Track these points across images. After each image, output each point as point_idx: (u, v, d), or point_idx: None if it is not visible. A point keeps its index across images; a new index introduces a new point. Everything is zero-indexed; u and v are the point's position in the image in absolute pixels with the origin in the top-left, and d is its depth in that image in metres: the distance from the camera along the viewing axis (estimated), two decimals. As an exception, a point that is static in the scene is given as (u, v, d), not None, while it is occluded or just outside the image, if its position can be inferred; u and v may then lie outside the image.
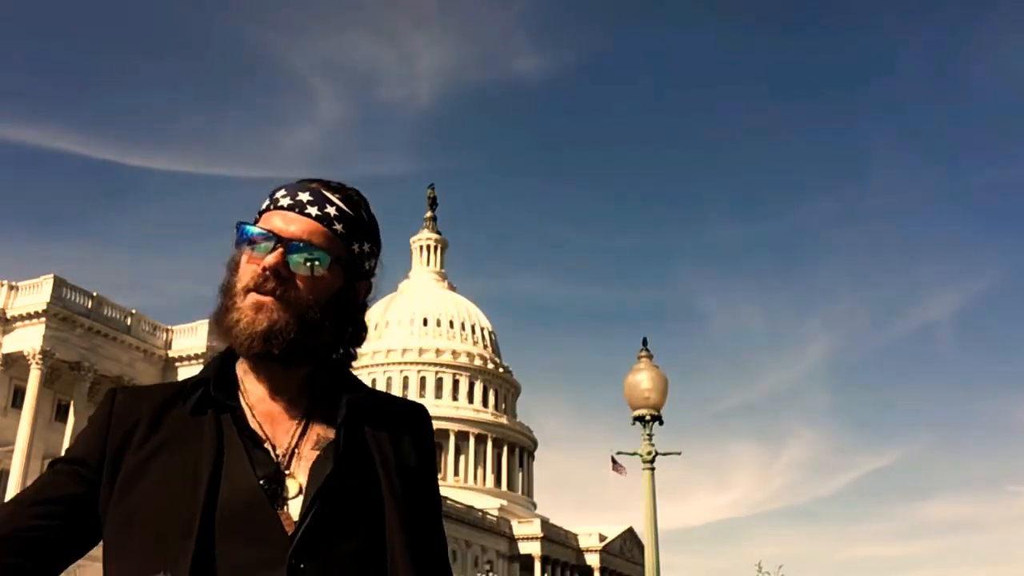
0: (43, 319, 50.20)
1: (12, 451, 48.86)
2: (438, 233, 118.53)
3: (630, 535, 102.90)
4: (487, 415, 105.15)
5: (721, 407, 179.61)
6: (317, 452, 1.61)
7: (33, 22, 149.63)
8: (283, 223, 1.62)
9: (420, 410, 1.81)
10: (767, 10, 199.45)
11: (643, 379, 12.43)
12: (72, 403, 51.98)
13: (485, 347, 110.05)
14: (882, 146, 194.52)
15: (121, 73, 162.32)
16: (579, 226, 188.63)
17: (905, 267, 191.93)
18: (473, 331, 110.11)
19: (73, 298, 52.37)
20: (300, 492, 1.57)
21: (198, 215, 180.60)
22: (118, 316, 55.20)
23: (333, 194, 1.67)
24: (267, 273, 1.59)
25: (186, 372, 57.38)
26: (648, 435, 12.30)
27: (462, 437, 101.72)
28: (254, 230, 1.62)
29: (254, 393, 1.67)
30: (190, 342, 57.94)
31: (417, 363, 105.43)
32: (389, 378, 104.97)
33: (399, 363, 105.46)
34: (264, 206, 1.68)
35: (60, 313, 50.91)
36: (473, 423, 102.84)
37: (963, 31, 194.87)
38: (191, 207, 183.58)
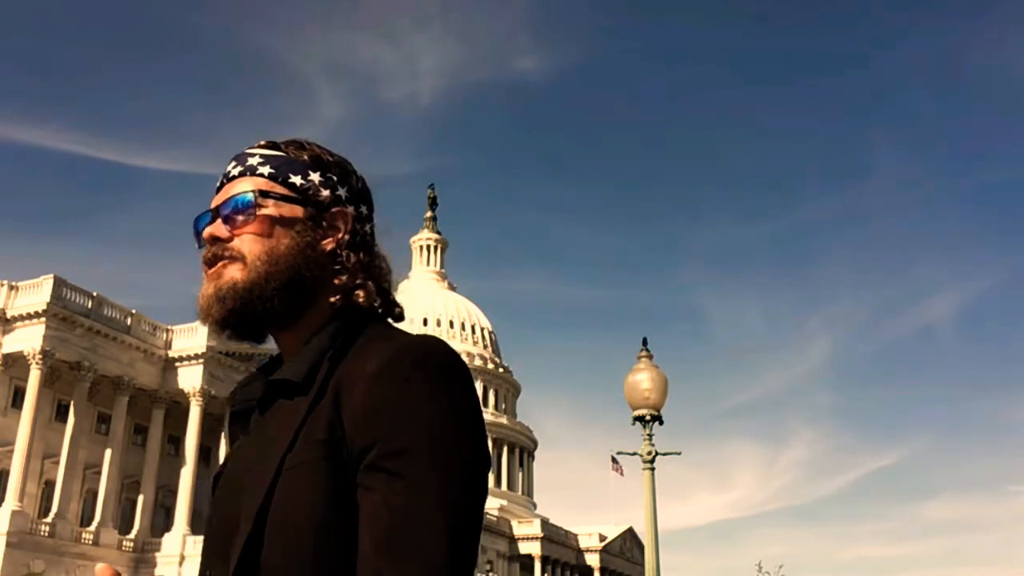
0: (43, 319, 50.19)
1: (12, 451, 48.86)
2: (438, 233, 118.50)
3: (630, 535, 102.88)
4: (487, 415, 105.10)
5: (722, 407, 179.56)
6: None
7: (33, 22, 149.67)
8: (217, 199, 1.55)
9: (378, 354, 1.36)
10: (768, 10, 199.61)
11: (643, 379, 12.42)
12: (72, 403, 51.98)
13: (485, 347, 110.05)
14: (883, 146, 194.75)
15: (121, 73, 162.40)
16: (579, 226, 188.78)
17: (906, 267, 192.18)
18: (473, 331, 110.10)
19: (73, 298, 52.36)
20: None
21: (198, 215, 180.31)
22: (118, 316, 55.20)
23: (256, 147, 1.58)
24: (208, 243, 1.51)
25: (186, 372, 57.39)
26: (648, 435, 12.29)
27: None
28: (198, 220, 1.56)
29: None
30: (190, 342, 57.94)
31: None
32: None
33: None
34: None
35: (60, 313, 50.90)
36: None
37: (965, 31, 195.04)
38: (191, 207, 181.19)
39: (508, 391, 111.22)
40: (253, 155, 1.55)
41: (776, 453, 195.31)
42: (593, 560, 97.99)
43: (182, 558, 53.44)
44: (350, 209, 1.57)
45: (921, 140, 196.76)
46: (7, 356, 50.98)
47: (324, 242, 1.52)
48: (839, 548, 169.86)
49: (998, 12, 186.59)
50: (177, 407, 57.84)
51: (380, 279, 1.55)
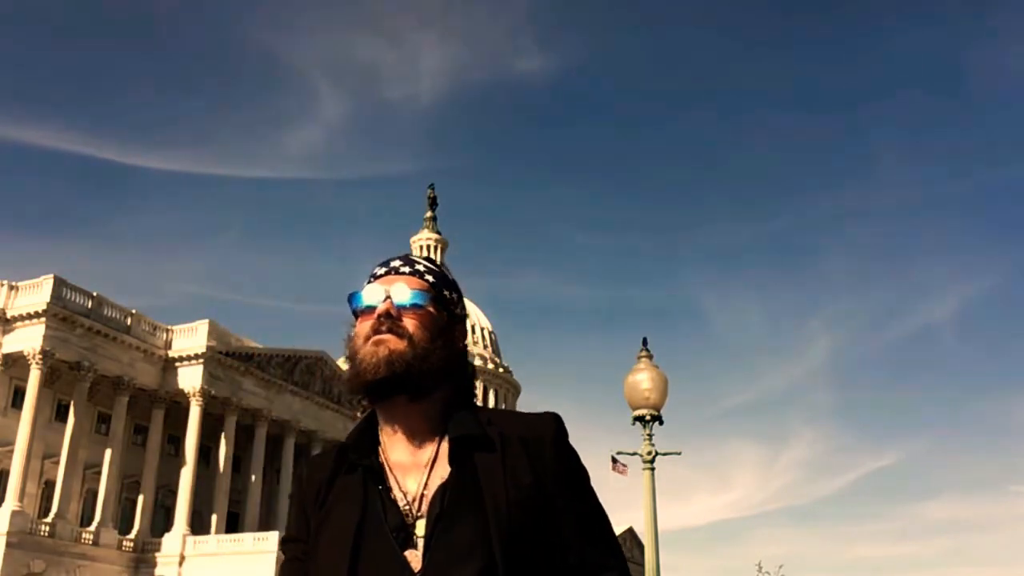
0: (43, 319, 50.18)
1: (12, 451, 48.86)
2: (438, 233, 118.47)
3: (630, 535, 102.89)
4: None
5: (722, 407, 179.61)
6: (433, 493, 1.86)
7: (33, 22, 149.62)
8: (386, 284, 1.98)
9: (543, 421, 1.98)
10: (768, 11, 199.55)
11: (643, 379, 12.42)
12: (72, 403, 51.97)
13: (485, 347, 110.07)
14: (883, 147, 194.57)
15: (121, 73, 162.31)
16: (579, 226, 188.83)
17: (906, 267, 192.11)
18: (473, 331, 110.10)
19: (73, 298, 52.36)
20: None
21: (198, 215, 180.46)
22: (118, 316, 55.19)
23: (419, 258, 2.06)
24: (380, 318, 1.92)
25: (186, 372, 57.40)
26: (648, 435, 12.29)
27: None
28: (363, 294, 1.97)
29: (390, 447, 1.95)
30: (190, 342, 57.94)
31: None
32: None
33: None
34: (366, 283, 2.03)
35: (60, 313, 50.89)
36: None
37: (965, 31, 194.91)
38: (191, 207, 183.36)
39: (508, 391, 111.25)
40: (419, 263, 2.04)
41: (776, 453, 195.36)
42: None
43: (182, 558, 53.45)
44: (465, 328, 2.08)
45: (921, 140, 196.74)
46: (7, 356, 50.97)
47: (455, 345, 2.00)
48: (839, 548, 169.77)
49: (999, 11, 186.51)
50: (177, 407, 57.83)
51: (473, 382, 2.04)
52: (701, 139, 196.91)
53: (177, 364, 57.67)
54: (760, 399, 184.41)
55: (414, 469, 1.90)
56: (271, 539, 52.92)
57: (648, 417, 12.31)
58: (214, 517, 57.64)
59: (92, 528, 51.61)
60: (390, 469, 1.91)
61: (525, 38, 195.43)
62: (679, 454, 12.85)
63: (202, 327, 58.26)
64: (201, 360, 57.29)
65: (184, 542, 53.89)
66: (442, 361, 1.92)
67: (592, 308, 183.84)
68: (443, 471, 1.87)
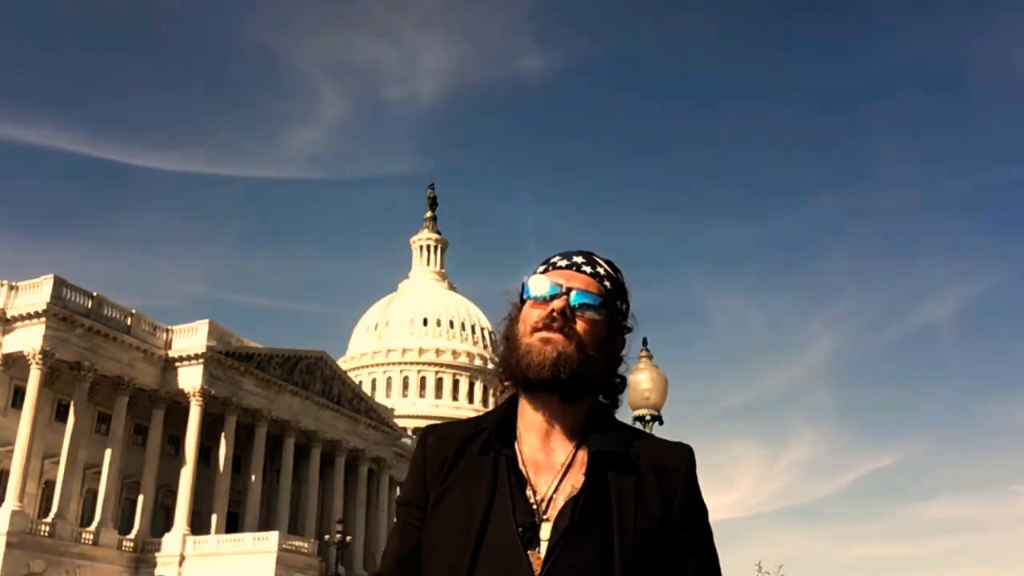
0: (43, 319, 50.17)
1: (12, 451, 48.85)
2: (438, 233, 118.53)
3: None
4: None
5: (722, 407, 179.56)
6: (565, 502, 1.84)
7: (34, 22, 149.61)
8: (564, 278, 1.95)
9: (678, 452, 1.97)
10: (768, 11, 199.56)
11: (643, 379, 12.42)
12: (72, 403, 51.96)
13: (485, 347, 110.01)
14: (884, 147, 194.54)
15: (122, 73, 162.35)
16: (579, 226, 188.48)
17: (906, 267, 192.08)
18: (473, 331, 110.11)
19: (73, 298, 52.34)
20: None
21: (198, 215, 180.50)
22: (118, 316, 55.17)
23: (600, 259, 2.02)
24: (554, 314, 1.90)
25: (186, 372, 57.39)
26: (648, 435, 12.29)
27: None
28: (536, 282, 1.96)
29: (527, 440, 1.94)
30: (190, 342, 57.92)
31: (417, 363, 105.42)
32: (389, 378, 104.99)
33: (399, 363, 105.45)
34: (541, 269, 2.00)
35: (60, 313, 50.88)
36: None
37: (966, 30, 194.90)
38: (191, 207, 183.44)
39: (508, 391, 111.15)
40: (602, 265, 2.00)
41: (776, 453, 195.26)
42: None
43: (182, 558, 53.44)
44: (626, 339, 2.03)
45: (922, 139, 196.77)
46: (7, 356, 50.96)
47: (614, 356, 1.97)
48: (839, 548, 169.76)
49: (1000, 10, 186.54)
50: (177, 407, 57.81)
51: (622, 391, 2.03)
52: (701, 139, 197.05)
53: (177, 364, 57.65)
54: (760, 399, 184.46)
55: (547, 469, 1.89)
56: (271, 539, 52.93)
57: (648, 417, 12.31)
58: (214, 517, 57.63)
59: (92, 528, 51.60)
60: (523, 463, 1.90)
61: (525, 38, 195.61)
62: (679, 454, 12.84)
63: (202, 327, 58.26)
64: (201, 360, 57.27)
65: (184, 542, 53.89)
66: (603, 371, 1.92)
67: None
68: (575, 480, 1.86)
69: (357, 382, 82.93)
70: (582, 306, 1.91)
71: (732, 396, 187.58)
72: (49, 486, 51.71)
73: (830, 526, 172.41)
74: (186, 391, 57.23)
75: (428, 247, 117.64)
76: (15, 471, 47.83)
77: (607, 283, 1.97)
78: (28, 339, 50.33)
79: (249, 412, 61.03)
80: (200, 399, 57.04)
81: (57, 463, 51.05)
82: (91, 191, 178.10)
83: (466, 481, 1.88)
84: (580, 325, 1.90)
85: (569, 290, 1.92)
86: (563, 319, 1.89)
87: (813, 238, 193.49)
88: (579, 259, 1.99)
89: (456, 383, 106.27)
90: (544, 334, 1.89)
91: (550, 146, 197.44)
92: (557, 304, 1.90)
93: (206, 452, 58.75)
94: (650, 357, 12.77)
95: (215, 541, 54.07)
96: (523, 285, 1.98)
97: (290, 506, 64.30)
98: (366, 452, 72.25)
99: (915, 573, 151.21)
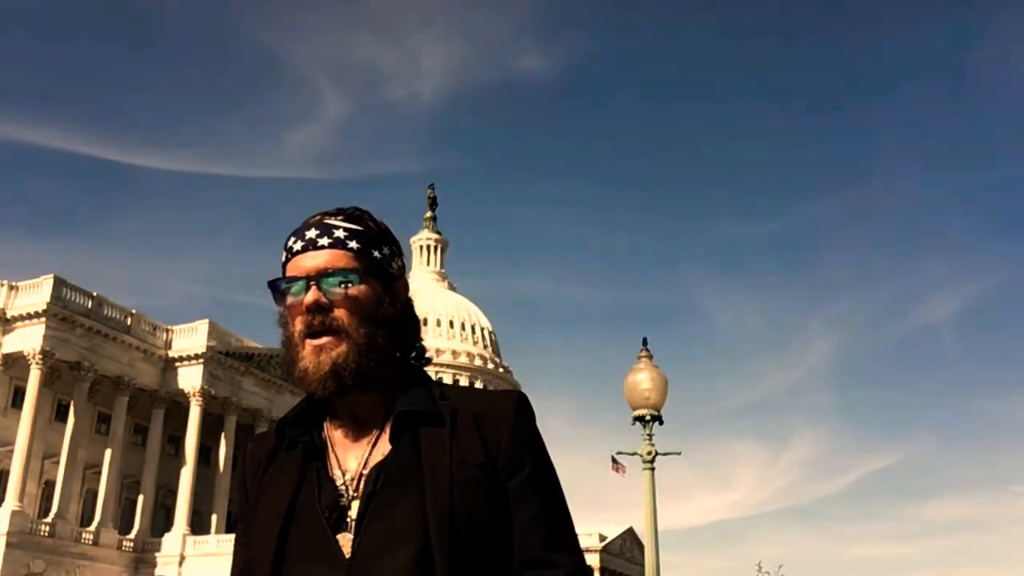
0: (43, 319, 50.19)
1: (12, 451, 48.87)
2: (438, 233, 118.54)
3: (630, 535, 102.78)
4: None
5: (722, 407, 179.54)
6: (369, 471, 1.71)
7: (34, 22, 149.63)
8: (305, 263, 1.74)
9: (503, 399, 1.79)
10: (769, 11, 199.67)
11: (643, 379, 12.42)
12: (72, 403, 51.98)
13: (485, 347, 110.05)
14: (884, 147, 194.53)
15: (122, 73, 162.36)
16: (580, 226, 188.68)
17: (907, 267, 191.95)
18: (473, 331, 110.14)
19: (73, 298, 52.36)
20: None
21: (198, 215, 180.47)
22: (118, 316, 55.20)
23: (335, 219, 1.78)
24: (311, 311, 1.71)
25: (186, 372, 57.40)
26: (648, 435, 12.28)
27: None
28: (287, 281, 1.76)
29: (336, 423, 1.80)
30: (190, 342, 57.96)
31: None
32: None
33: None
34: (284, 259, 1.80)
35: (60, 313, 50.90)
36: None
37: (965, 32, 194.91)
38: (191, 207, 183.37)
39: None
40: (337, 227, 1.76)
41: (777, 453, 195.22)
42: (593, 560, 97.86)
43: (182, 558, 53.46)
44: (405, 279, 1.86)
45: (922, 139, 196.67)
46: (7, 356, 50.98)
47: (394, 311, 1.79)
48: (839, 548, 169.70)
49: (1001, 9, 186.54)
50: (177, 407, 57.84)
51: (418, 334, 1.85)
52: (702, 138, 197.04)
53: (177, 364, 57.68)
54: (760, 399, 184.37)
55: (356, 446, 1.75)
56: (271, 539, 52.97)
57: (648, 417, 12.31)
58: (214, 517, 57.67)
59: (92, 528, 51.62)
60: (332, 446, 1.77)
61: (526, 37, 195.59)
62: (679, 454, 12.85)
63: (202, 327, 58.28)
64: (201, 360, 57.29)
65: (184, 542, 53.92)
66: (388, 342, 1.74)
67: (592, 308, 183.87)
68: (385, 448, 1.72)
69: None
70: (333, 288, 1.71)
71: (732, 396, 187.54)
72: (49, 486, 51.72)
73: (830, 526, 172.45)
74: (186, 391, 57.24)
75: (428, 247, 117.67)
76: (15, 471, 47.85)
77: (352, 243, 1.75)
78: (28, 339, 50.35)
79: (249, 412, 61.06)
80: (200, 399, 57.05)
81: (57, 463, 51.06)
82: (91, 191, 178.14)
83: (276, 480, 1.77)
84: (340, 310, 1.71)
85: (314, 277, 1.72)
86: (320, 312, 1.71)
87: (813, 238, 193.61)
88: (312, 233, 1.76)
89: (456, 383, 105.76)
90: (312, 342, 1.72)
91: (550, 146, 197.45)
92: (308, 298, 1.71)
93: (206, 452, 58.78)
94: (650, 357, 12.77)
95: (215, 541, 54.09)
96: (270, 285, 1.78)
97: (290, 506, 64.35)
98: (366, 452, 72.33)
99: (915, 573, 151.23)
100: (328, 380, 1.70)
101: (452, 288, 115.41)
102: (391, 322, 1.76)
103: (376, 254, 1.78)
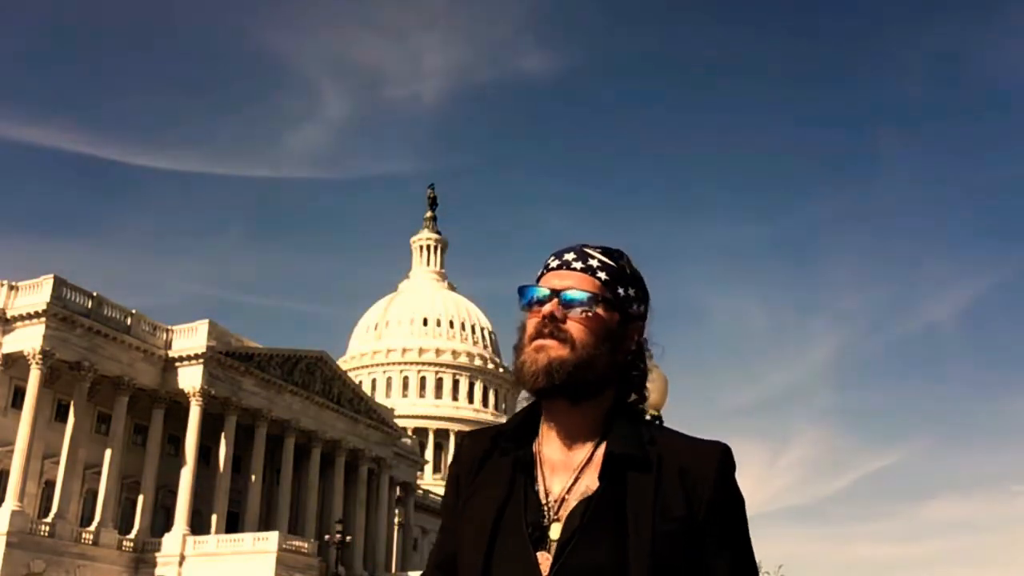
0: (43, 319, 50.17)
1: (12, 451, 48.86)
2: (438, 233, 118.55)
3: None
4: (487, 415, 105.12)
5: (722, 407, 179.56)
6: (577, 503, 1.82)
7: (35, 22, 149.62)
8: (555, 280, 1.91)
9: (709, 451, 1.89)
10: (771, 9, 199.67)
11: (643, 379, 12.43)
12: (72, 403, 51.96)
13: (485, 347, 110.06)
14: (886, 146, 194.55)
15: (122, 73, 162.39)
16: (580, 225, 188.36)
17: (908, 267, 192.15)
18: (473, 331, 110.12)
19: (73, 298, 52.35)
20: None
21: (198, 215, 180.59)
22: (118, 316, 55.18)
23: (594, 251, 1.96)
24: (545, 320, 1.87)
25: (186, 372, 57.39)
26: (648, 435, 12.29)
27: (462, 437, 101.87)
28: (535, 290, 1.92)
29: (546, 441, 1.92)
30: (190, 342, 57.91)
31: (417, 363, 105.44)
32: (389, 378, 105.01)
33: (399, 363, 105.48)
34: (539, 273, 1.97)
35: (60, 313, 50.88)
36: (473, 423, 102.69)
37: (967, 32, 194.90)
38: (191, 207, 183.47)
39: (508, 391, 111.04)
40: (593, 257, 1.94)
41: (777, 453, 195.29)
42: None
43: (182, 558, 53.45)
44: (642, 324, 2.00)
45: (924, 139, 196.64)
46: (7, 356, 50.96)
47: (623, 347, 1.93)
48: (840, 548, 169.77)
49: (1003, 10, 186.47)
50: (177, 407, 57.81)
51: (644, 382, 2.00)
52: (702, 138, 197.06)
53: (177, 364, 57.65)
54: (761, 399, 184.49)
55: (563, 469, 1.87)
56: (271, 539, 52.95)
57: (648, 417, 12.31)
58: (214, 517, 57.63)
59: (92, 528, 51.61)
60: (540, 463, 1.89)
61: (527, 38, 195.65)
62: (679, 454, 12.85)
63: (202, 327, 58.26)
64: (201, 360, 57.27)
65: (184, 542, 53.89)
66: (608, 367, 1.88)
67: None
68: (590, 480, 1.83)
69: (357, 382, 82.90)
70: (572, 305, 1.87)
71: (733, 396, 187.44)
72: (49, 486, 51.71)
73: (830, 526, 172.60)
74: (186, 391, 57.22)
75: (428, 247, 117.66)
76: (15, 471, 47.84)
77: (602, 274, 1.91)
78: (28, 339, 50.33)
79: (249, 412, 61.02)
80: (200, 399, 57.03)
81: (57, 463, 51.05)
82: (91, 191, 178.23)
83: (488, 482, 1.90)
84: (573, 325, 1.86)
85: (559, 292, 1.88)
86: (553, 323, 1.86)
87: (814, 238, 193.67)
88: (570, 256, 1.94)
89: (456, 383, 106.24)
90: (538, 342, 1.86)
91: (551, 146, 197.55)
92: (547, 308, 1.87)
93: (206, 452, 58.74)
94: (650, 357, 12.77)
95: (215, 541, 54.08)
96: (520, 291, 1.95)
97: (290, 506, 64.29)
98: (366, 452, 72.23)
99: (915, 573, 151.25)
100: (540, 375, 1.83)
101: (452, 288, 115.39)
102: (616, 353, 1.90)
103: (621, 291, 1.93)
